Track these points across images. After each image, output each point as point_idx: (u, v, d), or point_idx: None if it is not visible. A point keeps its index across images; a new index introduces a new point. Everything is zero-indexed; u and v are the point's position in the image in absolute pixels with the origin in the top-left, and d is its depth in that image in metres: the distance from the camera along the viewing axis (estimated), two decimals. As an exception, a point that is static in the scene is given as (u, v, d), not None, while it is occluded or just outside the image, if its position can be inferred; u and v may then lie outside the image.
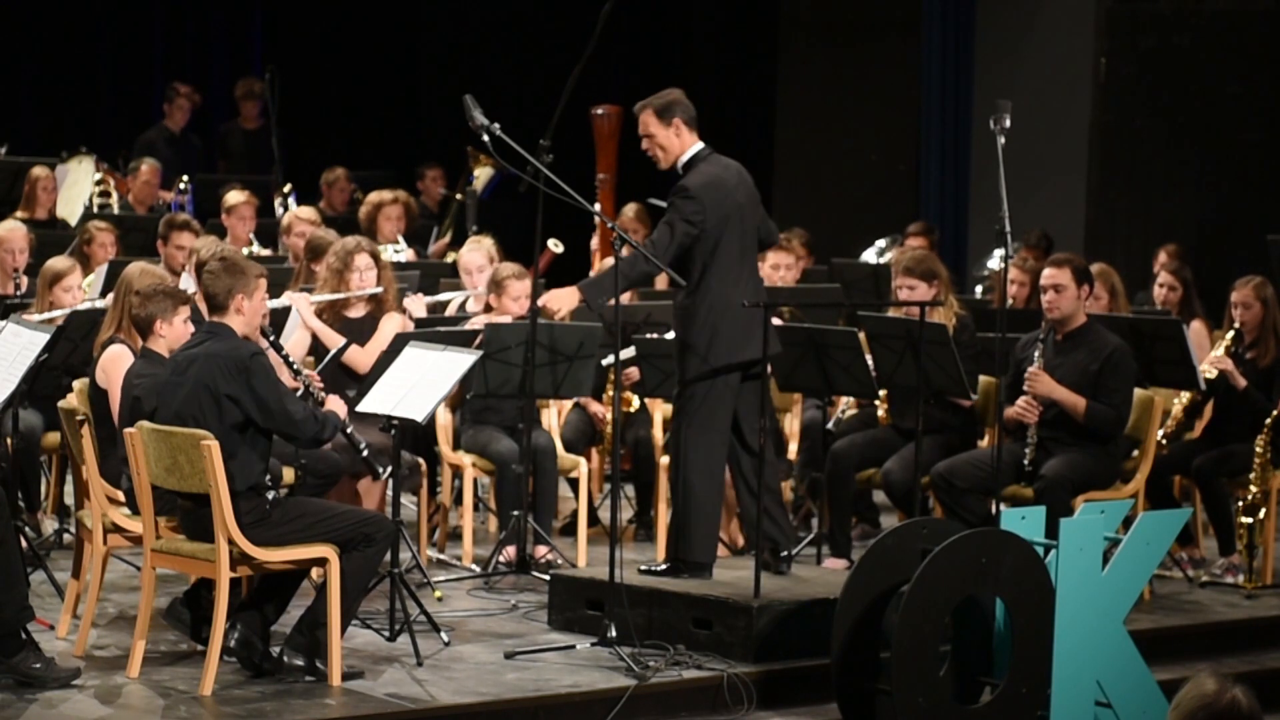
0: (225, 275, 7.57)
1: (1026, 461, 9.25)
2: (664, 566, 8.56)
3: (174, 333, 8.04)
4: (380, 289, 9.69)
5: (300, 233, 11.69)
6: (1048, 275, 9.43)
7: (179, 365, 7.57)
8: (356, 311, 9.72)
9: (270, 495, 7.54)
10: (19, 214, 12.66)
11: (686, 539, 8.50)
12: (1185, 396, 10.06)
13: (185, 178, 15.12)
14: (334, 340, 9.42)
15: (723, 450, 8.51)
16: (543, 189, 8.59)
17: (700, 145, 8.57)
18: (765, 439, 8.49)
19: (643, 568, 8.64)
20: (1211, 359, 9.92)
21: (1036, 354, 9.33)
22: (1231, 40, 15.47)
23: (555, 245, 12.47)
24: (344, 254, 9.67)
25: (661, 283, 12.63)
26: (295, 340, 9.55)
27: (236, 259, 7.72)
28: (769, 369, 8.79)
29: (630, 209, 13.53)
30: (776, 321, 9.92)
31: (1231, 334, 9.99)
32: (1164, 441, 9.89)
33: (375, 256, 9.74)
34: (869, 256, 14.14)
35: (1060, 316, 9.38)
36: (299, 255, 11.31)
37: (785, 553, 8.62)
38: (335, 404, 8.00)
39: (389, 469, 8.37)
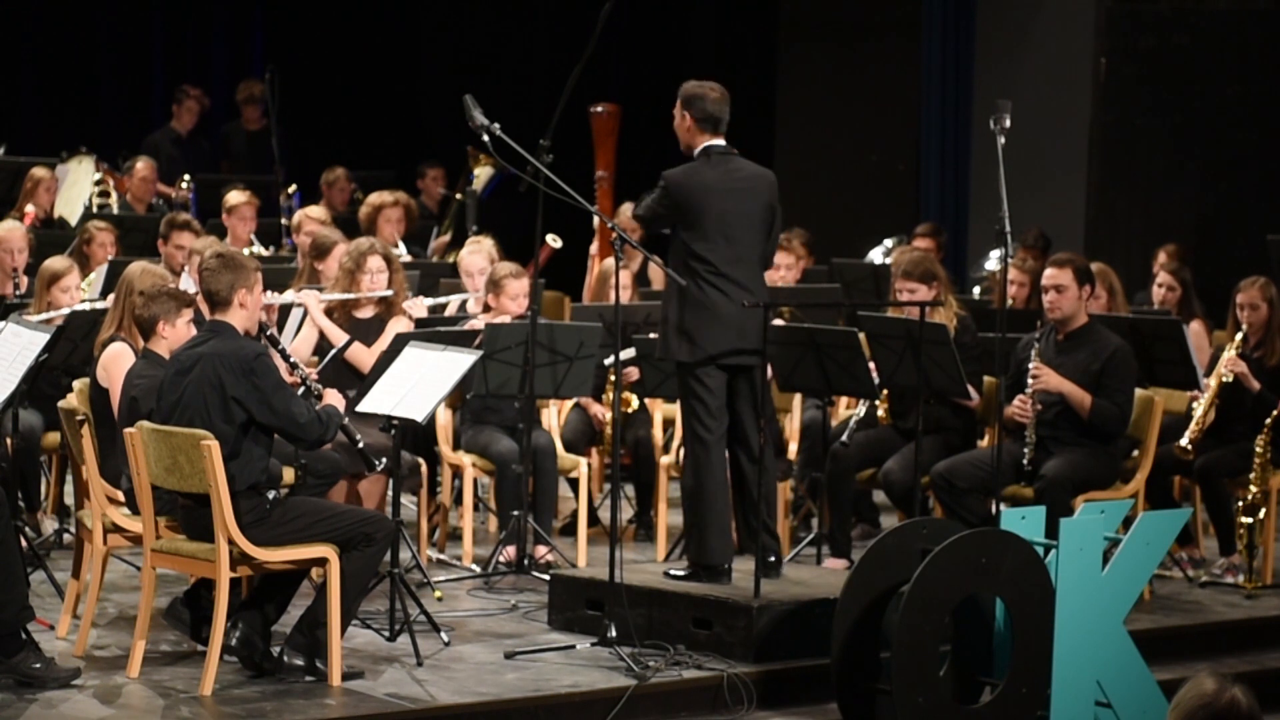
0: (225, 271, 7.58)
1: (1025, 461, 9.25)
2: (684, 572, 8.53)
3: (176, 334, 8.05)
4: (391, 292, 9.70)
5: (309, 231, 11.68)
6: (1049, 275, 9.43)
7: (181, 363, 7.57)
8: (365, 313, 9.72)
9: (270, 495, 7.55)
10: (26, 213, 12.65)
11: (700, 543, 8.50)
12: (1205, 403, 9.93)
13: (187, 176, 15.13)
14: (340, 338, 9.42)
15: (719, 449, 8.47)
16: (543, 189, 8.60)
17: (711, 143, 8.58)
18: (766, 442, 8.46)
19: (671, 571, 8.59)
20: (1227, 362, 9.84)
21: (1033, 353, 9.33)
22: (1231, 40, 15.47)
23: (554, 240, 12.47)
24: (357, 255, 9.68)
25: (659, 282, 12.65)
26: (302, 338, 9.57)
27: (234, 254, 7.73)
28: (769, 370, 8.78)
29: (626, 209, 13.52)
30: (778, 321, 9.93)
31: (1240, 337, 9.95)
32: (1189, 447, 9.78)
33: (388, 259, 9.75)
34: (875, 256, 14.13)
35: (1061, 316, 9.39)
36: (306, 254, 11.31)
37: (773, 558, 8.56)
38: (333, 398, 7.97)
39: (384, 462, 8.36)
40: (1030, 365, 9.30)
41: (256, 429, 7.51)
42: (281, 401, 7.49)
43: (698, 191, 8.45)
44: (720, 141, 8.61)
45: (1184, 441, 9.74)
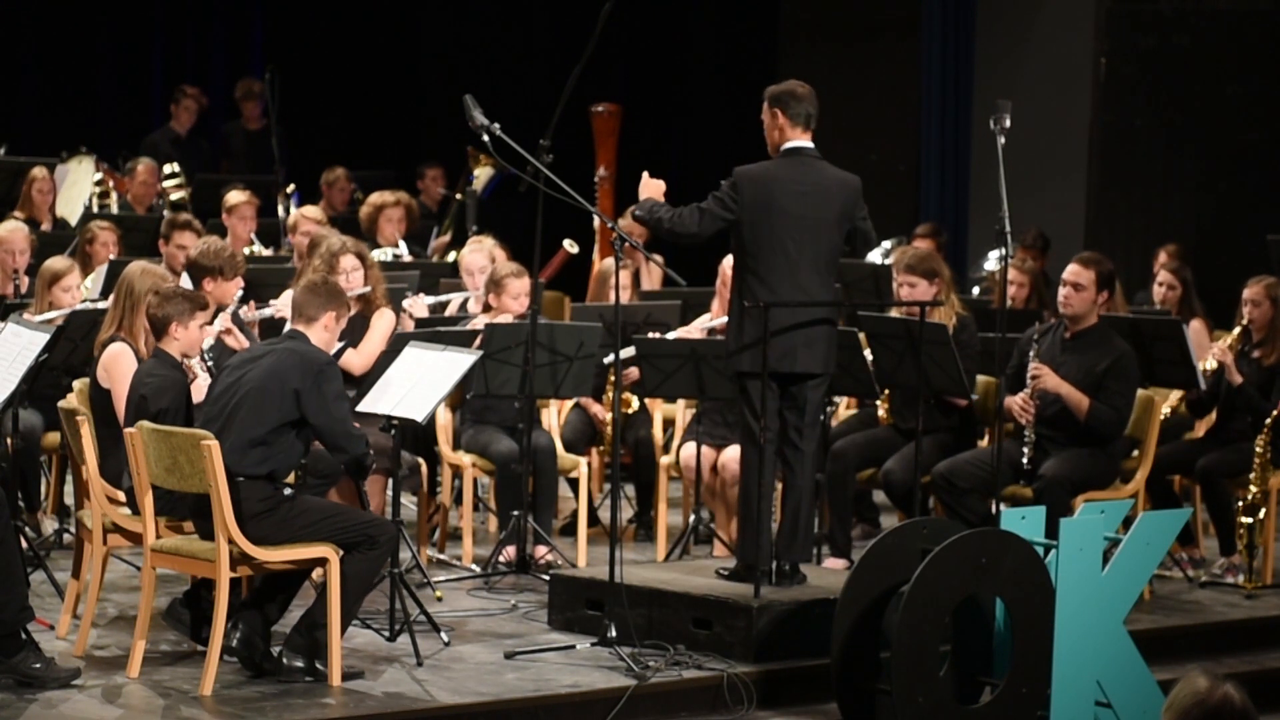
0: (324, 293, 7.91)
1: (1025, 460, 9.24)
2: (728, 571, 8.52)
3: (189, 336, 8.07)
4: (368, 288, 9.68)
5: (305, 231, 11.68)
6: (1071, 271, 9.42)
7: (252, 353, 7.82)
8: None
9: (286, 491, 7.60)
10: (16, 214, 12.64)
11: (741, 542, 8.52)
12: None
13: (179, 179, 15.09)
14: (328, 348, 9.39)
15: (766, 453, 8.36)
16: (543, 189, 8.59)
17: (799, 143, 8.42)
18: (766, 445, 8.42)
19: (720, 569, 8.56)
20: (1214, 350, 9.90)
21: (1032, 352, 9.33)
22: (1231, 40, 15.47)
23: (571, 246, 12.44)
24: (329, 256, 9.66)
25: (657, 282, 12.65)
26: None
27: (337, 285, 8.14)
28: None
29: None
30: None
31: (1239, 330, 9.98)
32: (1167, 412, 9.86)
33: (360, 256, 9.72)
34: (875, 256, 14.13)
35: (1073, 314, 9.39)
36: (304, 254, 11.31)
37: (788, 567, 8.51)
38: None
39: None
40: (1030, 364, 9.30)
41: (301, 431, 7.64)
42: (339, 409, 7.69)
43: (768, 188, 8.32)
44: (808, 144, 8.44)
45: (1164, 407, 9.81)
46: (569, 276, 13.71)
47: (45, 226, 12.84)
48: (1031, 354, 9.34)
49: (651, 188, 8.51)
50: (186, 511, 7.73)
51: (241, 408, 7.55)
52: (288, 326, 7.99)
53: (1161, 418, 9.87)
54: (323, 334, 7.85)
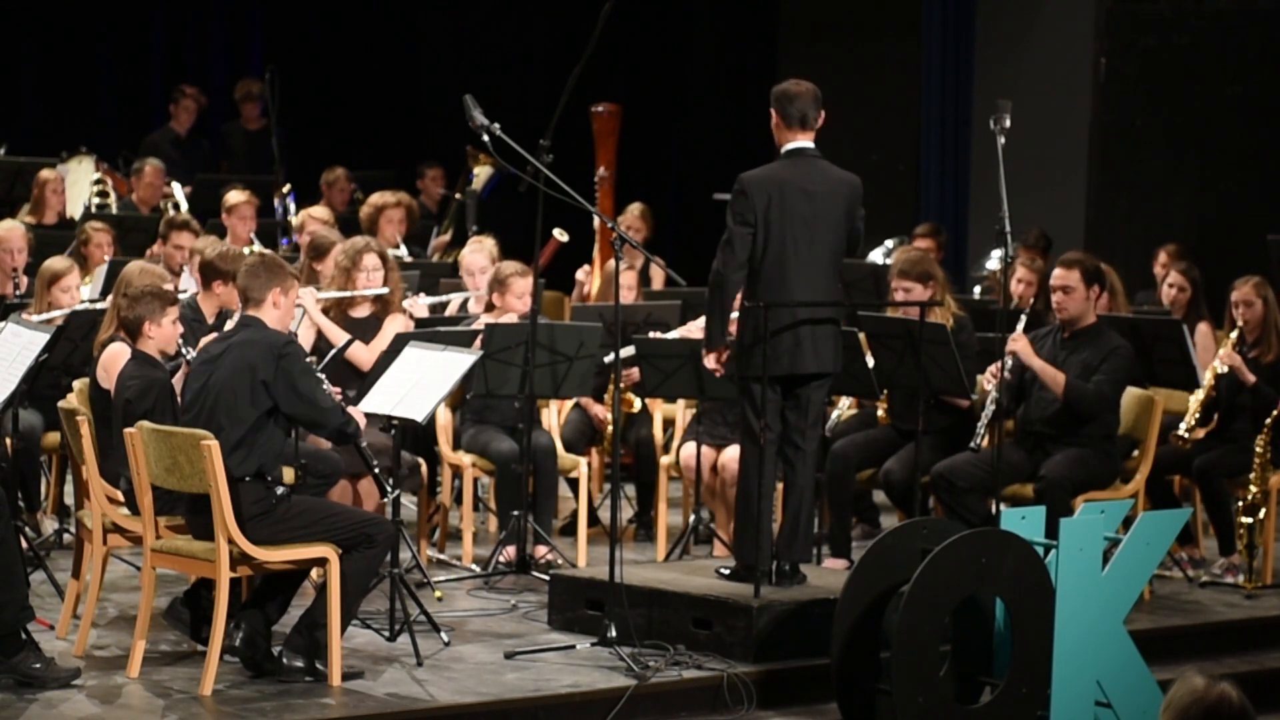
0: (263, 271, 7.79)
1: (975, 441, 9.19)
2: (728, 570, 8.52)
3: (163, 334, 8.10)
4: (386, 290, 9.71)
5: (311, 231, 11.68)
6: (1057, 276, 9.44)
7: (210, 352, 7.72)
8: (361, 311, 9.73)
9: (280, 490, 7.59)
10: (27, 218, 12.64)
11: (739, 542, 8.51)
12: (1201, 392, 10.00)
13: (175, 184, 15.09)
14: (338, 336, 9.44)
15: (767, 452, 8.36)
16: (543, 189, 8.59)
17: (800, 144, 8.40)
18: (767, 445, 8.41)
19: (720, 570, 8.55)
20: (1222, 355, 9.90)
21: (1019, 326, 9.34)
22: (1231, 40, 15.47)
23: (560, 235, 12.44)
24: (353, 253, 9.70)
25: (660, 282, 12.65)
26: (300, 336, 9.56)
27: (274, 258, 8.02)
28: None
29: (634, 208, 13.52)
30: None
31: (1235, 334, 9.99)
32: (1185, 436, 9.86)
33: (383, 257, 9.76)
34: (876, 256, 14.13)
35: (1069, 317, 9.41)
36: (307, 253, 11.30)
37: (788, 567, 8.50)
38: (356, 415, 8.06)
39: (397, 492, 8.35)
40: (1012, 336, 9.28)
41: (278, 418, 7.61)
42: (307, 386, 7.63)
43: (776, 190, 8.31)
44: (808, 144, 8.42)
45: (1181, 430, 9.78)
46: (569, 276, 13.70)
47: (51, 218, 12.85)
48: (1019, 326, 9.36)
49: None
50: (183, 510, 7.73)
51: (217, 413, 7.53)
52: (236, 315, 7.97)
53: (1189, 424, 9.86)
54: (274, 312, 7.77)
